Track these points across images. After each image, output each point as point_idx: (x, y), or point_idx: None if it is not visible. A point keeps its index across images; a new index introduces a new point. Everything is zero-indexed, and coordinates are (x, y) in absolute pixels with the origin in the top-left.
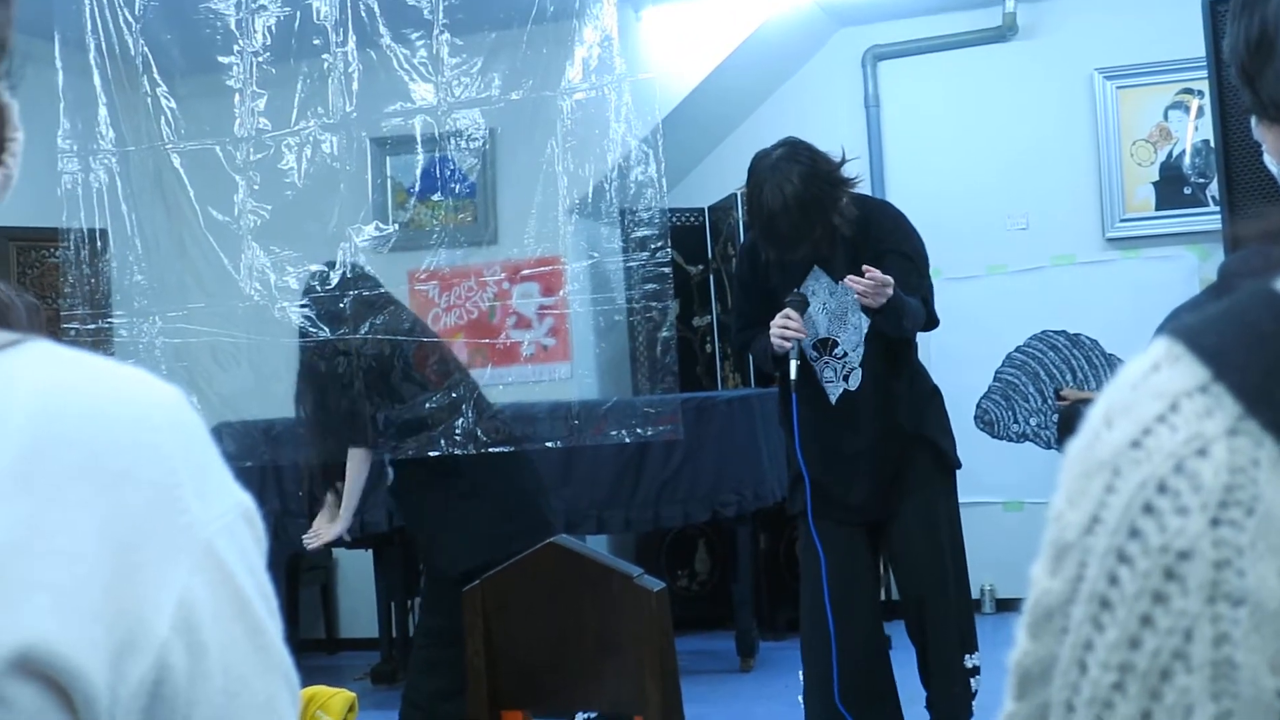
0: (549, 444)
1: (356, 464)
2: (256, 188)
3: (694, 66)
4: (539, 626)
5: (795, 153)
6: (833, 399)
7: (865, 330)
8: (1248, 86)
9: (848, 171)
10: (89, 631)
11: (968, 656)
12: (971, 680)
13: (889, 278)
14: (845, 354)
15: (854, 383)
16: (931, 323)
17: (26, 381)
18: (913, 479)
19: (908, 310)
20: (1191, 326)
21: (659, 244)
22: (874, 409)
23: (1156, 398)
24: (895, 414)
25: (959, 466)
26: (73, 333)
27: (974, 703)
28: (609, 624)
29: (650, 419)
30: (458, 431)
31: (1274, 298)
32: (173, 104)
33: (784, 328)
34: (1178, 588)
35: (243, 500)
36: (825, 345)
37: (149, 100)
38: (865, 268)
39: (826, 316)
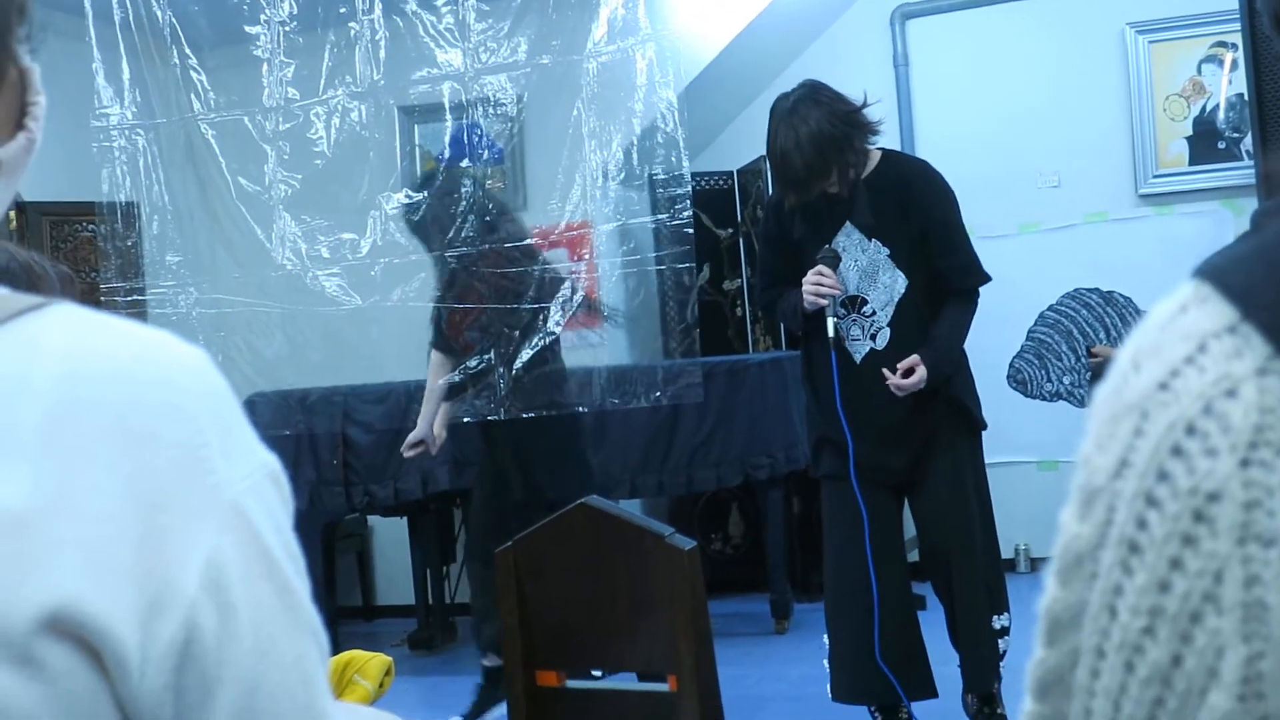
0: (577, 409)
1: (430, 367)
2: (286, 157)
3: (721, 28)
4: (572, 587)
5: (814, 93)
6: (858, 358)
7: (899, 291)
8: None
9: (870, 115)
10: (119, 591)
11: (996, 617)
12: (1000, 641)
13: (921, 372)
14: (874, 312)
15: (881, 342)
16: (983, 281)
17: (52, 344)
18: (939, 440)
19: (947, 357)
20: (1219, 266)
21: (682, 204)
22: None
23: (1184, 339)
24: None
25: (985, 428)
26: (111, 305)
27: (1004, 663)
28: (641, 584)
29: (671, 382)
30: (490, 397)
31: None
32: (202, 75)
33: (818, 284)
34: (1207, 530)
35: (269, 461)
36: (854, 303)
37: (178, 72)
38: (893, 381)
39: (857, 274)
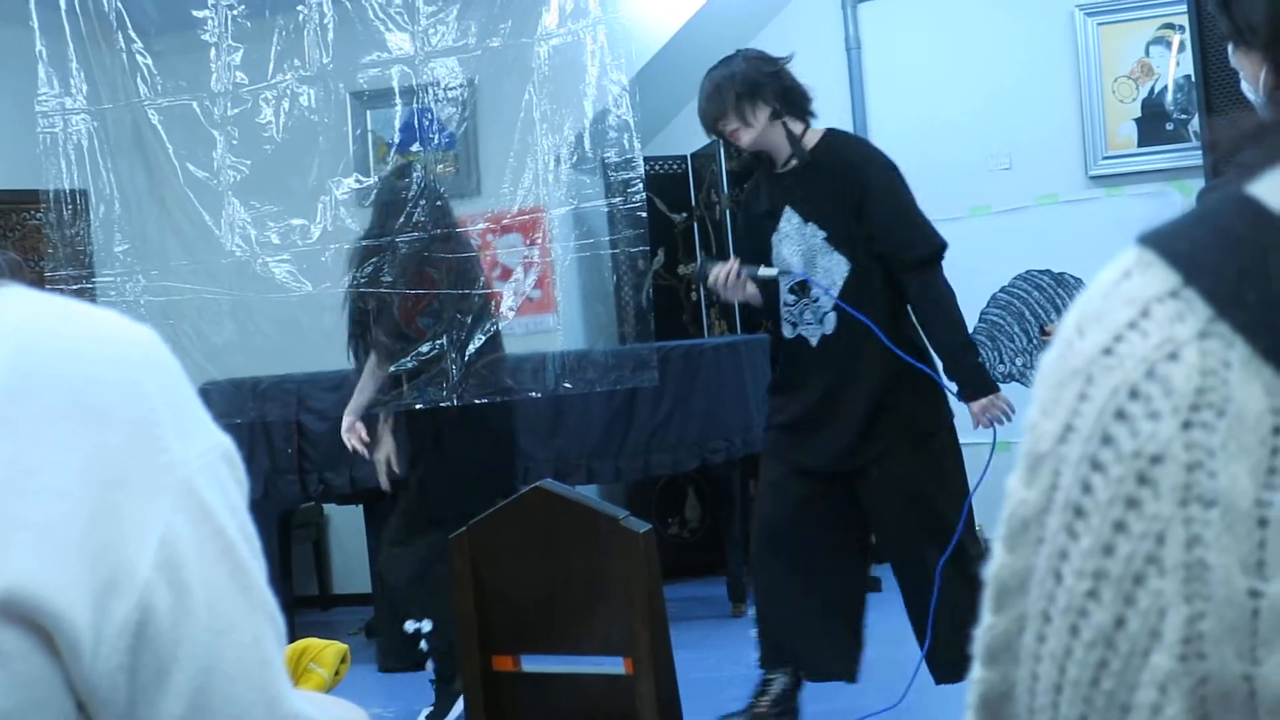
0: (531, 394)
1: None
2: (235, 143)
3: (673, 12)
4: (527, 571)
5: (743, 52)
6: (813, 342)
7: (841, 274)
8: (1224, 12)
9: (795, 82)
10: (71, 571)
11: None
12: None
13: (980, 402)
14: (817, 298)
15: (829, 326)
16: (935, 249)
17: (4, 324)
18: (890, 438)
19: (957, 348)
20: (1162, 233)
21: (635, 188)
22: (852, 352)
23: (1127, 304)
24: (873, 361)
25: (945, 426)
26: (61, 291)
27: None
28: (597, 567)
29: (627, 366)
30: (442, 384)
31: (1245, 201)
32: (148, 60)
33: (717, 282)
34: (1150, 492)
35: (222, 441)
36: (802, 288)
37: (124, 57)
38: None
39: (800, 260)
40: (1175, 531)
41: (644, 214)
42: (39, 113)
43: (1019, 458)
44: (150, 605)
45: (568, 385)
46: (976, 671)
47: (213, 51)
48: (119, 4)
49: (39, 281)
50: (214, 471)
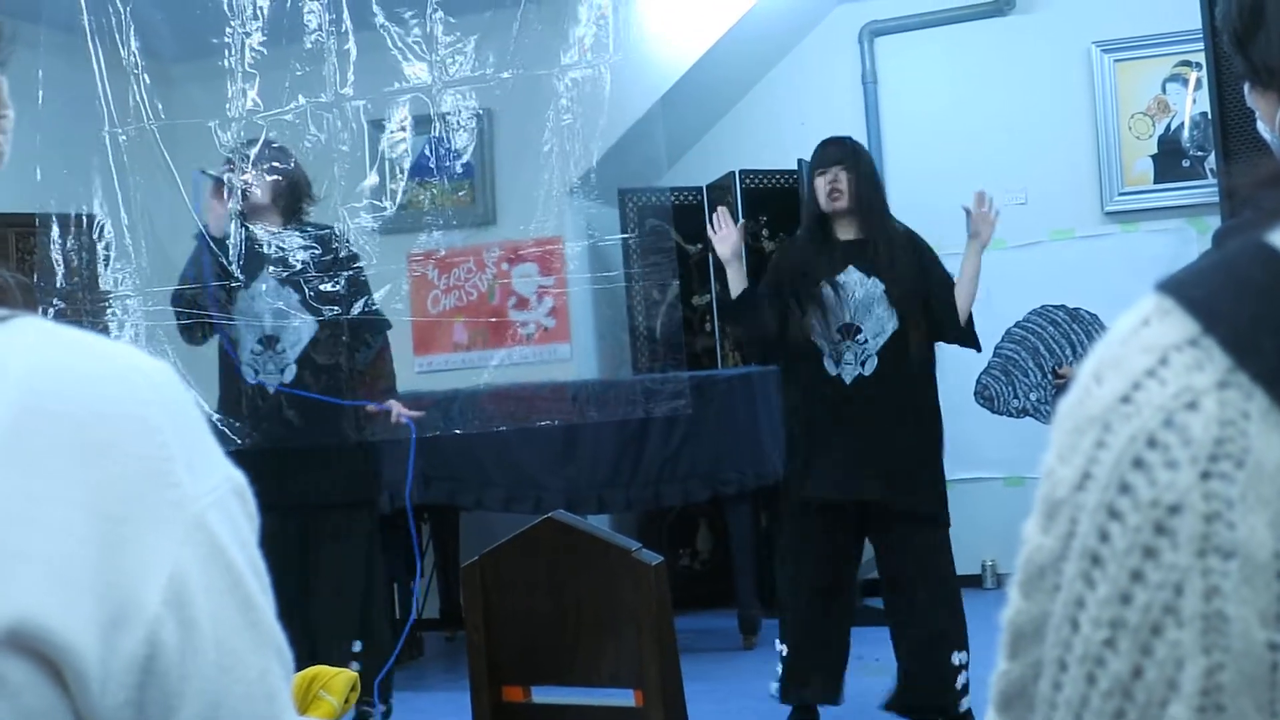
0: (553, 423)
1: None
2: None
3: (690, 44)
4: (538, 602)
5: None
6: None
7: (891, 327)
8: (1239, 52)
9: None
10: (80, 605)
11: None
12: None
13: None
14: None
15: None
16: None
17: (15, 356)
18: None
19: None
20: (1181, 280)
21: (659, 221)
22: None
23: (1146, 352)
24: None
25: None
26: (65, 315)
27: (965, 701)
28: (608, 599)
29: (657, 396)
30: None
31: (1264, 250)
32: (164, 85)
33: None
34: (1168, 542)
35: (233, 475)
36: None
37: (142, 82)
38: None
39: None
40: (1193, 582)
41: (669, 246)
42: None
43: (1036, 503)
44: (158, 640)
45: (594, 414)
46: (991, 717)
47: (229, 79)
48: (133, 30)
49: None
50: (224, 506)
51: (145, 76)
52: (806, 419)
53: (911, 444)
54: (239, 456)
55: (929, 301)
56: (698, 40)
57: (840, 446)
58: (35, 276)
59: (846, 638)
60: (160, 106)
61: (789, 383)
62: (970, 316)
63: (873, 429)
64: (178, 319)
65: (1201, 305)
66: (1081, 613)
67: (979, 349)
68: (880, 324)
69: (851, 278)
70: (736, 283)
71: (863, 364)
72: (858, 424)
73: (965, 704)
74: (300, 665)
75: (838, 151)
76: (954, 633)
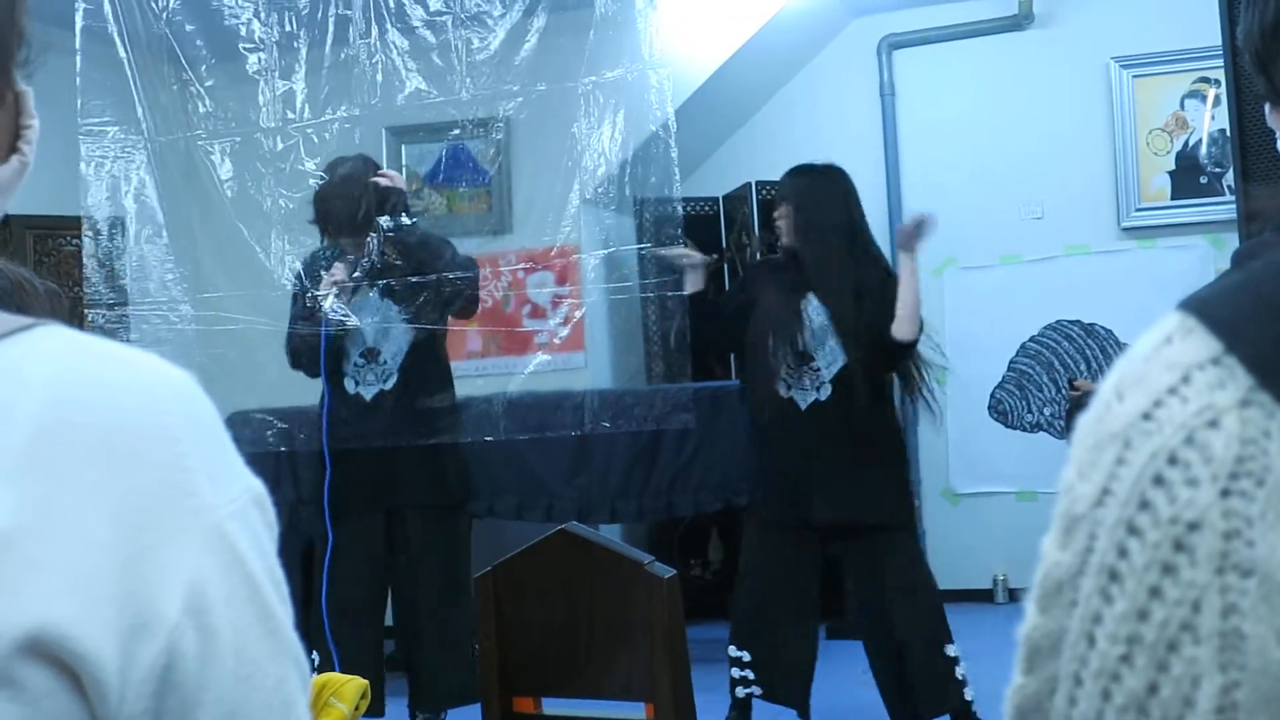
0: (563, 433)
1: None
2: (285, 177)
3: (708, 55)
4: (550, 614)
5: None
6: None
7: (840, 360)
8: (1261, 72)
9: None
10: (100, 614)
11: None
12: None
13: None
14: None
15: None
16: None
17: (38, 365)
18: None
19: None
20: (1204, 299)
21: (673, 232)
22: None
23: (1168, 369)
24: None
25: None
26: (96, 320)
27: (968, 691)
28: (620, 611)
29: (663, 408)
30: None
31: None
32: (199, 92)
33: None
34: (1186, 559)
35: (254, 485)
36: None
37: (175, 89)
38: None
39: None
40: (1211, 599)
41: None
42: (86, 140)
43: (1054, 518)
44: (177, 649)
45: (606, 425)
46: None
47: (261, 86)
48: (171, 38)
49: (72, 306)
50: (244, 516)
51: (194, 85)
52: (762, 440)
53: (871, 464)
54: (335, 459)
55: (872, 331)
56: (716, 52)
57: (793, 470)
58: (71, 284)
59: (812, 648)
60: (198, 114)
61: (747, 402)
62: (919, 330)
63: (828, 453)
64: (294, 362)
65: (1224, 324)
66: (1098, 628)
67: (919, 368)
68: (833, 354)
69: (811, 305)
70: (694, 287)
71: (818, 389)
72: (810, 448)
73: (969, 694)
74: (396, 668)
75: (786, 185)
76: (942, 630)
